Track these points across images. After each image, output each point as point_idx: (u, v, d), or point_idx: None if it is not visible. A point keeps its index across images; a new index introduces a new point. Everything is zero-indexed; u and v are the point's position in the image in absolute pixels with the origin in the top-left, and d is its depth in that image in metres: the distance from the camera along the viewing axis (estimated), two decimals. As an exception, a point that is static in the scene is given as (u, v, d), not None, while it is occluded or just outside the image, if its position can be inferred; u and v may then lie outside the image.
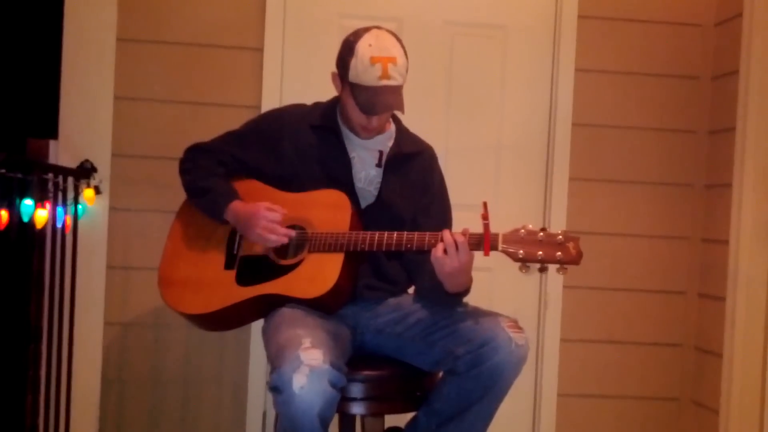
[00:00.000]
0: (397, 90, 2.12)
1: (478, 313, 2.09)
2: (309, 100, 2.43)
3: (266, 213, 2.14)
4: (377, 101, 2.10)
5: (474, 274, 2.07)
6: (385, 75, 2.08)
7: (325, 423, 1.84)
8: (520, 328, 2.04)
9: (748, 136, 2.80)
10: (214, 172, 2.28)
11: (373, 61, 2.08)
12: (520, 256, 1.93)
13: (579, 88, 3.03)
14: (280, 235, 2.14)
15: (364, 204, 2.24)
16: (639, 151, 3.07)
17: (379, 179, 2.26)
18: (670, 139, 3.08)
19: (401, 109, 2.14)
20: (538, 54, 3.06)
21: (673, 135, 3.08)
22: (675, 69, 3.07)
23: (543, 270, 1.96)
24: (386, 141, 2.30)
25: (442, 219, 2.30)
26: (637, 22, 3.06)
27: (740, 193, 2.82)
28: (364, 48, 2.10)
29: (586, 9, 3.03)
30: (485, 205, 1.90)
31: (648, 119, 3.07)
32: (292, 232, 2.15)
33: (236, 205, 2.20)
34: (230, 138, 2.35)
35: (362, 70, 2.09)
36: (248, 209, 2.17)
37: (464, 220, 2.28)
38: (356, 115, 2.18)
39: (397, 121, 2.36)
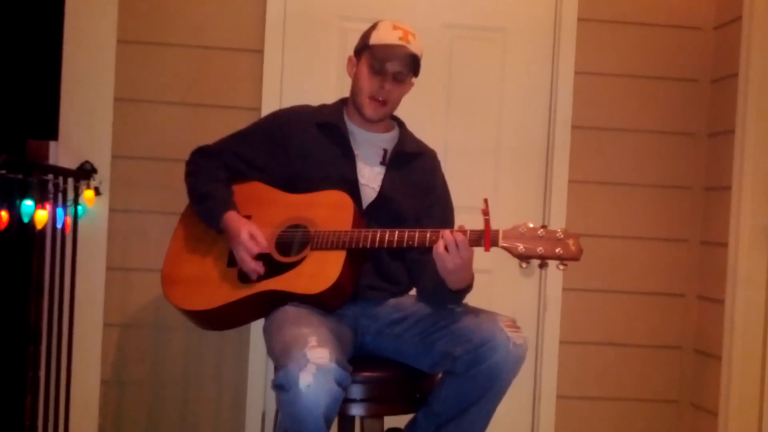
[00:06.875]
0: (413, 54, 2.24)
1: (476, 313, 2.10)
2: (308, 102, 2.44)
3: (245, 242, 2.15)
4: (395, 52, 2.23)
5: (474, 275, 2.07)
6: (405, 39, 2.25)
7: (328, 422, 1.84)
8: (518, 327, 2.04)
9: (747, 138, 2.81)
10: (216, 176, 2.29)
11: (394, 27, 2.28)
12: (520, 251, 1.93)
13: (578, 91, 3.03)
14: (248, 268, 2.15)
15: (366, 201, 2.25)
16: (638, 153, 3.07)
17: (382, 176, 2.28)
18: (669, 142, 3.08)
19: (418, 51, 2.24)
20: (538, 56, 3.06)
21: (672, 137, 3.08)
22: (674, 72, 3.07)
23: (543, 266, 1.96)
24: (390, 141, 2.34)
25: (445, 220, 2.31)
26: (637, 24, 3.06)
27: (739, 195, 2.82)
28: (386, 22, 2.31)
29: (586, 11, 3.03)
30: (486, 201, 1.91)
31: (647, 122, 3.08)
32: (260, 270, 2.14)
33: (229, 218, 2.21)
34: (236, 138, 2.37)
35: (384, 33, 2.25)
36: (234, 228, 2.18)
37: (463, 221, 2.28)
38: (370, 83, 2.24)
39: (401, 124, 2.40)
